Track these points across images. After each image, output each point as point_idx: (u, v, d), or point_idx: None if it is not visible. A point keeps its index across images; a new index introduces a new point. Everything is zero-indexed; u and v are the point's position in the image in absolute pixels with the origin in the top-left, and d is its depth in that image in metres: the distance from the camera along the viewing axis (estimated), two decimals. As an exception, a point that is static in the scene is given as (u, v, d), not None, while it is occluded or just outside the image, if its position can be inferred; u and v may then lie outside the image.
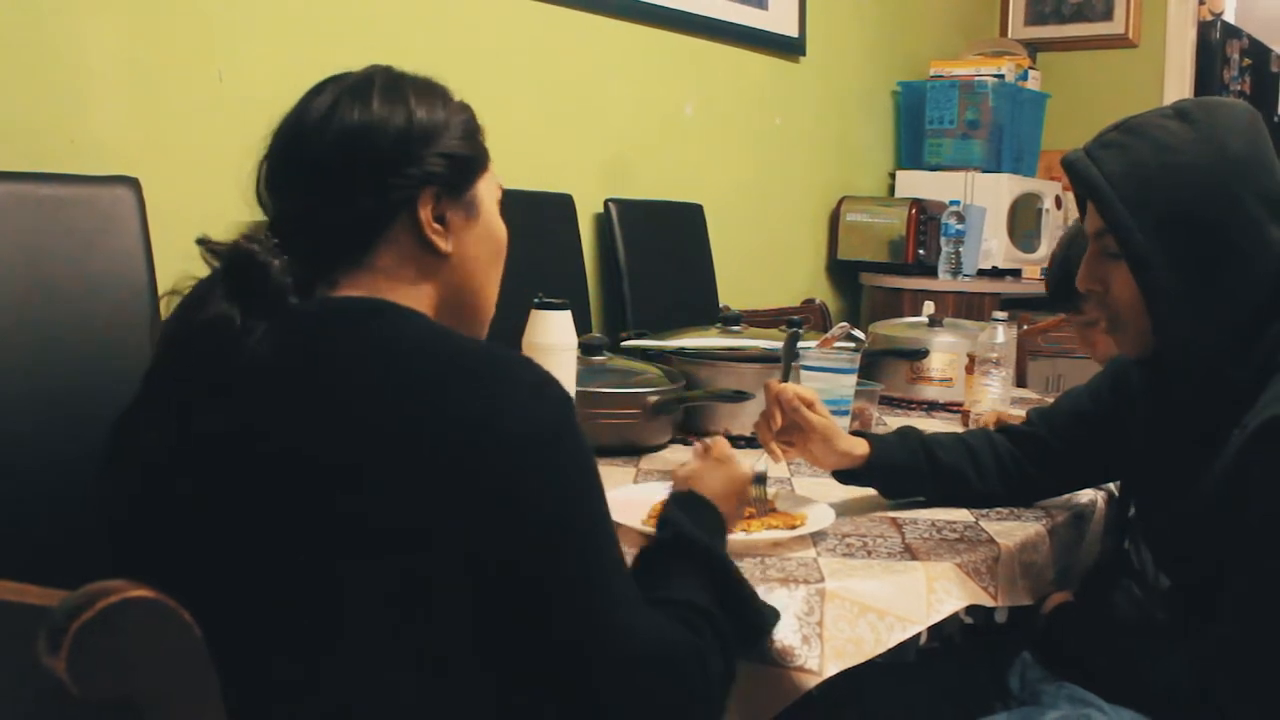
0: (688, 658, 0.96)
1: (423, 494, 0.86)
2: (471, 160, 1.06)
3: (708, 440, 1.35)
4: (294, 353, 0.92)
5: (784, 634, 1.12)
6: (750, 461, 1.36)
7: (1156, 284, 1.23)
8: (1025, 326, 2.88)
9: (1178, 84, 4.24)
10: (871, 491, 1.55)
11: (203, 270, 0.96)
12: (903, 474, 1.51)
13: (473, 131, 1.08)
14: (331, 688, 0.89)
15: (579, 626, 0.90)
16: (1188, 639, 1.25)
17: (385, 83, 1.03)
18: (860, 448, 1.48)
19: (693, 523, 1.12)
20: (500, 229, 1.10)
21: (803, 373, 1.79)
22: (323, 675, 0.89)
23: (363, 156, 0.99)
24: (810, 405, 1.45)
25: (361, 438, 0.87)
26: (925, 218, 3.53)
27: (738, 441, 1.90)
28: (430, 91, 1.06)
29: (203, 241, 0.95)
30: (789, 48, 3.43)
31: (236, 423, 0.91)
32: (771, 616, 1.13)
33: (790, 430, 1.46)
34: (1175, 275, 1.22)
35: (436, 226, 1.02)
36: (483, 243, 1.07)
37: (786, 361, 1.51)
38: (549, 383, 0.93)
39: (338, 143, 0.99)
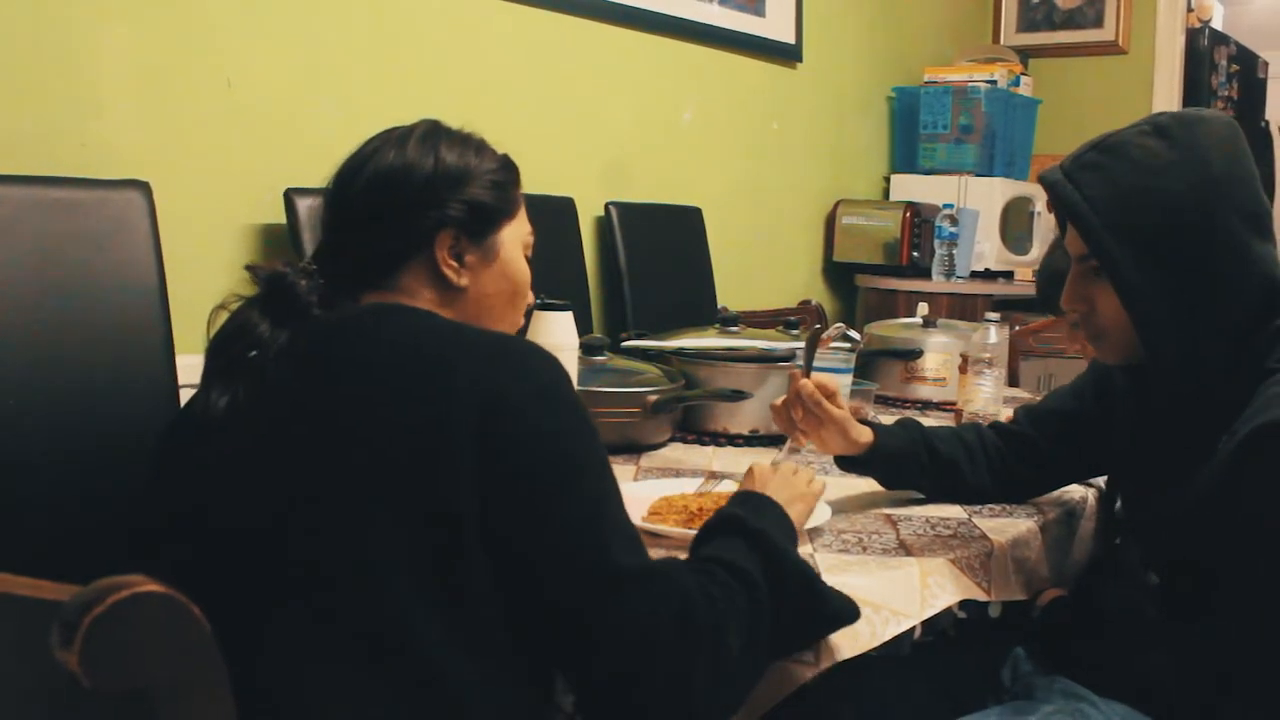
0: (659, 588, 0.95)
1: (434, 463, 0.91)
2: (493, 209, 1.12)
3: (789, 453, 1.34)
4: (310, 351, 1.01)
5: (781, 628, 1.12)
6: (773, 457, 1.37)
7: (1143, 306, 1.22)
8: (1017, 327, 2.87)
9: (1166, 89, 4.24)
10: (867, 489, 1.55)
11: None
12: (903, 462, 1.51)
13: (502, 183, 1.14)
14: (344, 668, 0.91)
15: (570, 576, 0.93)
16: (1179, 637, 1.25)
17: (423, 133, 1.12)
18: (866, 435, 1.48)
19: (748, 511, 1.13)
20: (520, 273, 1.17)
21: (790, 368, 1.79)
22: (330, 659, 0.91)
23: (389, 198, 1.09)
24: (832, 396, 1.45)
25: (372, 418, 0.94)
26: (919, 221, 3.53)
27: (735, 440, 1.91)
28: (464, 142, 1.13)
29: (250, 268, 1.06)
30: (786, 54, 3.43)
31: (259, 414, 0.98)
32: (848, 610, 1.11)
33: (806, 419, 1.46)
34: (1161, 296, 1.21)
35: (452, 263, 1.10)
36: (498, 282, 1.14)
37: (809, 356, 1.53)
38: (544, 354, 1.00)
39: (369, 184, 1.09)
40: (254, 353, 1.00)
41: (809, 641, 1.11)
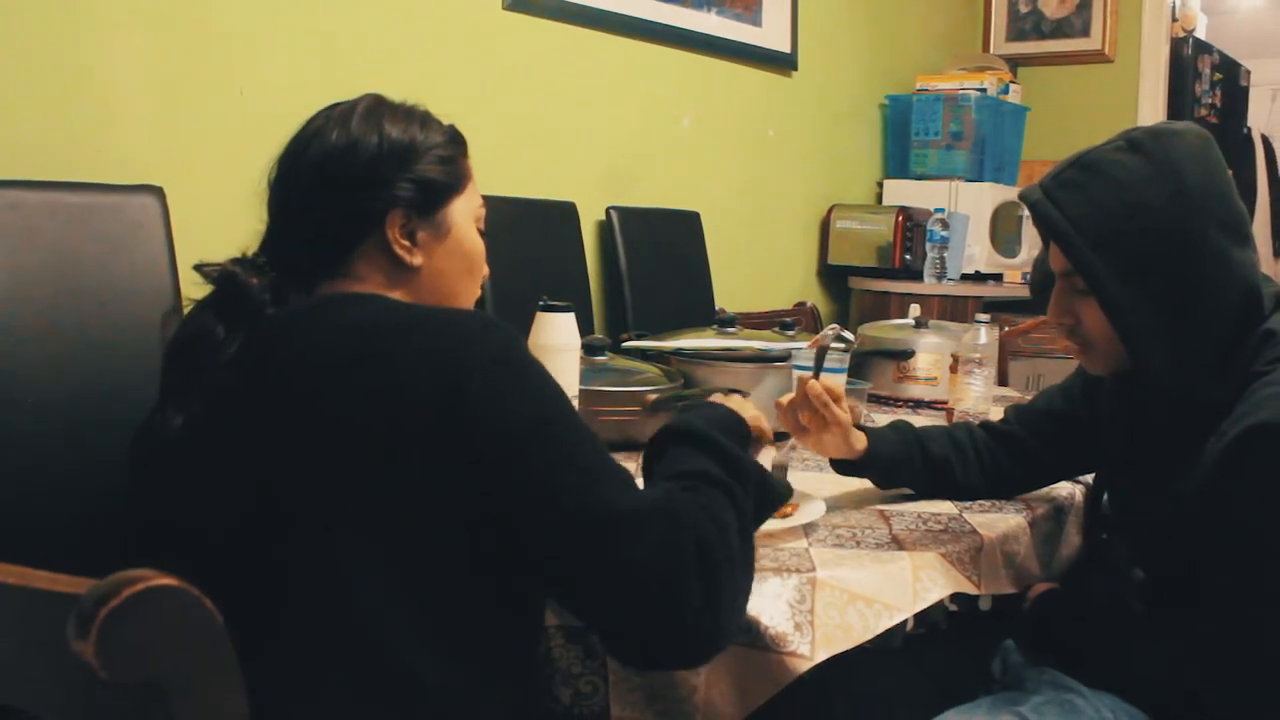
0: (666, 517, 0.94)
1: (395, 455, 0.88)
2: (442, 185, 1.08)
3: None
4: (260, 354, 0.97)
5: (777, 621, 1.12)
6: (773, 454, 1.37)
7: (1129, 321, 1.22)
8: (1006, 328, 2.87)
9: (1152, 97, 4.24)
10: (861, 485, 1.55)
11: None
12: (897, 465, 1.51)
13: (449, 157, 1.09)
14: (338, 655, 0.89)
15: (571, 527, 0.91)
16: (1167, 634, 1.25)
17: (366, 108, 1.07)
18: (860, 441, 1.47)
19: (697, 422, 1.13)
20: (474, 246, 1.12)
21: (795, 372, 1.79)
22: (327, 643, 0.90)
23: (336, 177, 1.04)
24: (839, 400, 1.43)
25: (324, 417, 0.91)
26: (911, 224, 3.53)
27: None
28: (409, 116, 1.09)
29: (198, 267, 1.02)
30: (782, 63, 3.43)
31: (215, 426, 0.96)
32: (786, 490, 1.15)
33: (812, 421, 1.44)
34: (1147, 311, 1.21)
35: (404, 243, 1.06)
36: (452, 258, 1.10)
37: (819, 362, 1.52)
38: (495, 324, 0.96)
39: (315, 164, 1.04)
40: (206, 364, 0.97)
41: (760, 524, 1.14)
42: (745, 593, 1.00)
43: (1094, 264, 1.21)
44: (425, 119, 1.10)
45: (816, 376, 1.46)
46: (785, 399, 1.46)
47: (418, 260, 1.06)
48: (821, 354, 1.53)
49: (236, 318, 0.99)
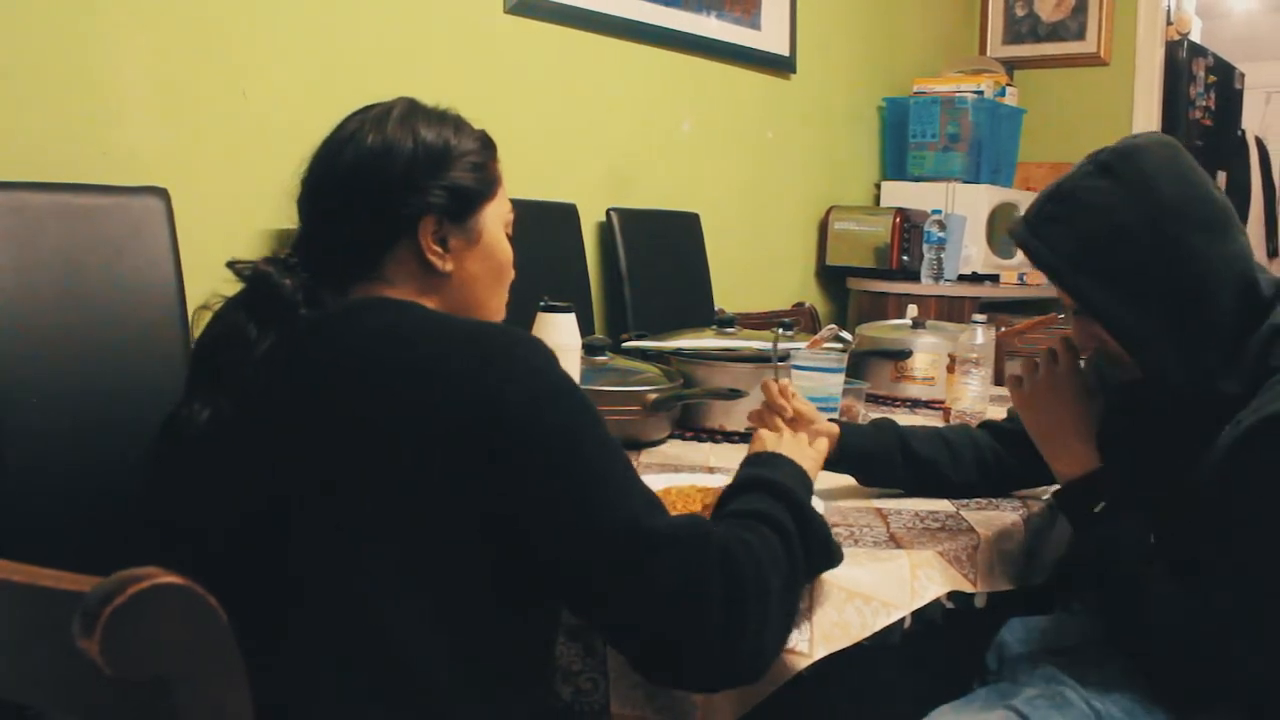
0: (691, 539, 0.92)
1: (426, 467, 0.88)
2: (474, 192, 1.08)
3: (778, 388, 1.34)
4: (294, 356, 0.97)
5: (776, 618, 1.12)
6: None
7: (1135, 337, 1.23)
8: (1003, 329, 2.87)
9: (1146, 100, 4.24)
10: (858, 485, 1.55)
11: (226, 282, 1.03)
12: (875, 461, 1.50)
13: (481, 163, 1.09)
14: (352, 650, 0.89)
15: (598, 548, 0.90)
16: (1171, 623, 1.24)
17: (401, 113, 1.07)
18: (834, 433, 1.46)
19: (766, 469, 1.12)
20: (504, 251, 1.12)
21: (794, 372, 1.79)
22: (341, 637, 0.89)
23: (371, 181, 1.04)
24: (793, 395, 1.43)
25: (357, 423, 0.90)
26: (909, 226, 3.53)
27: (731, 437, 1.91)
28: (443, 121, 1.08)
29: (231, 264, 1.01)
30: (780, 66, 3.43)
31: (244, 425, 0.95)
32: (838, 555, 1.12)
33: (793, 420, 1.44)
34: (1150, 324, 1.22)
35: (436, 249, 1.05)
36: (483, 263, 1.09)
37: (776, 365, 1.52)
38: (527, 340, 0.96)
39: (350, 167, 1.04)
40: (237, 360, 0.96)
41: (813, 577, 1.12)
42: (779, 631, 0.98)
43: (1091, 292, 1.23)
44: (458, 124, 1.10)
45: (777, 376, 1.46)
46: (754, 410, 1.44)
47: (449, 267, 1.06)
48: (776, 354, 1.52)
49: (269, 318, 0.98)
